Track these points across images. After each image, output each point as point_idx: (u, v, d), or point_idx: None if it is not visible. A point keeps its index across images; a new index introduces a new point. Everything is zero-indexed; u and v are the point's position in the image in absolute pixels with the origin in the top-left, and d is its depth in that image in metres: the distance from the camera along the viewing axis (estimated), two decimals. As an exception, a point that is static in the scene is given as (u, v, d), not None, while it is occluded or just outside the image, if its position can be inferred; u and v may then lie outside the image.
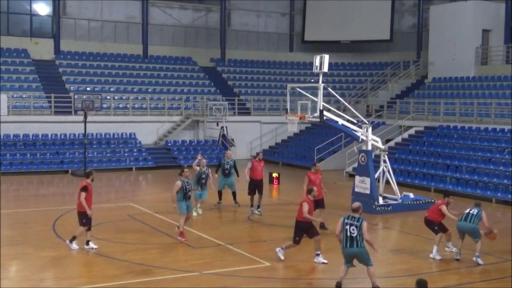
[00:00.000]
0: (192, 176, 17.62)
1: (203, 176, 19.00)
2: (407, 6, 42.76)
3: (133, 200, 22.42)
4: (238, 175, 20.62)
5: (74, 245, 14.92)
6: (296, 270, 13.57)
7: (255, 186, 19.57)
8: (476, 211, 14.22)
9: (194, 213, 18.69)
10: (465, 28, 34.67)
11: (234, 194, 20.85)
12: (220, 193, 21.04)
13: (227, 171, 20.61)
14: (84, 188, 14.69)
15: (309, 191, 14.11)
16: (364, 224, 11.71)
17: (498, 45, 35.01)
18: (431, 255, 14.72)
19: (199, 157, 19.73)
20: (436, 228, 14.89)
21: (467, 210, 14.27)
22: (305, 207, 13.63)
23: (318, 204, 17.61)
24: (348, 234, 11.68)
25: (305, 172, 18.44)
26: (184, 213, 15.79)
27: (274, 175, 27.13)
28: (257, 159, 20.14)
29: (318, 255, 13.95)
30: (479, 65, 34.78)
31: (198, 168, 19.07)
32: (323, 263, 13.85)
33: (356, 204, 12.09)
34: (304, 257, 14.52)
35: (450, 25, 35.21)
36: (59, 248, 15.12)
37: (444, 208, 14.73)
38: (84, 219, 14.72)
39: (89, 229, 14.91)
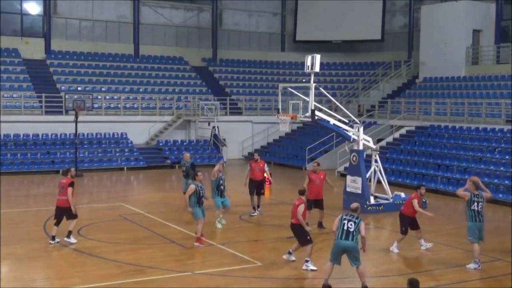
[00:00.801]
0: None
1: (221, 182, 17.71)
2: (398, 6, 42.88)
3: (124, 200, 22.37)
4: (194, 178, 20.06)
5: (73, 239, 15.32)
6: (287, 270, 13.57)
7: (254, 187, 19.46)
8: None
9: (219, 225, 17.47)
10: (455, 28, 34.80)
11: None
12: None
13: (184, 173, 20.28)
14: (72, 184, 15.28)
15: (301, 192, 14.14)
16: (362, 224, 11.90)
17: (489, 45, 35.16)
18: (391, 248, 15.20)
19: (220, 163, 18.57)
20: (403, 228, 15.23)
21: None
22: (301, 209, 13.53)
23: (317, 204, 17.68)
24: (345, 228, 11.79)
25: (296, 172, 18.50)
26: (200, 218, 15.22)
27: (266, 175, 27.08)
28: (254, 160, 20.02)
29: (307, 261, 13.70)
30: (469, 65, 34.92)
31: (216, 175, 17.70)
32: (312, 269, 13.51)
33: (355, 204, 12.26)
34: (296, 257, 14.52)
35: (441, 25, 35.34)
36: (50, 248, 15.07)
37: (415, 202, 14.93)
38: (71, 212, 15.24)
39: (58, 223, 15.38)
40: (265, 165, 20.09)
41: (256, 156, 20.32)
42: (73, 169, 15.93)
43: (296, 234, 13.77)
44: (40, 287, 12.58)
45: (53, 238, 15.29)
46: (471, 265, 13.76)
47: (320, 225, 17.39)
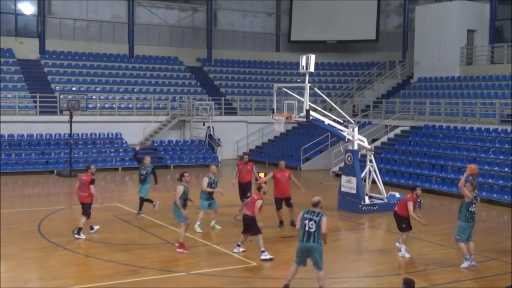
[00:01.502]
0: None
1: (213, 185, 17.13)
2: (393, 6, 42.94)
3: (119, 201, 22.33)
4: (156, 182, 19.43)
5: (82, 235, 15.88)
6: (282, 270, 13.57)
7: (241, 190, 18.93)
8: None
9: (198, 229, 16.88)
10: (450, 28, 34.88)
11: (142, 200, 19.18)
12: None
13: (142, 177, 19.12)
14: (93, 181, 16.17)
15: (258, 188, 14.58)
16: (324, 219, 11.48)
17: (483, 45, 35.24)
18: (400, 254, 14.88)
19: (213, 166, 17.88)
20: (404, 226, 14.98)
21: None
22: (258, 204, 14.09)
23: (286, 203, 17.64)
24: (307, 228, 11.45)
25: (292, 172, 18.46)
26: (185, 221, 14.74)
27: (261, 175, 26.93)
28: (242, 161, 19.29)
29: (263, 251, 14.18)
30: (464, 65, 35.00)
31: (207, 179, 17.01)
32: (270, 258, 14.08)
33: (316, 198, 11.84)
34: (290, 257, 14.53)
35: (436, 25, 35.40)
36: (44, 249, 15.05)
37: (410, 206, 14.70)
38: (89, 210, 16.13)
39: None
40: (253, 167, 19.31)
41: (246, 157, 19.41)
42: (92, 166, 16.69)
43: (247, 225, 14.31)
44: (35, 288, 12.58)
45: (92, 227, 16.55)
46: (464, 264, 13.78)
47: (292, 223, 17.20)
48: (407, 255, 14.75)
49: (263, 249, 14.12)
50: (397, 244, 15.24)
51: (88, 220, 16.30)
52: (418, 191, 15.03)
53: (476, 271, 13.76)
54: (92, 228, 16.55)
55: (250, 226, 14.25)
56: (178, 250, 14.69)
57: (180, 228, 14.89)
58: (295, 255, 11.81)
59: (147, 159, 19.54)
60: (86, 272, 13.29)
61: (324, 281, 11.70)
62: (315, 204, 11.73)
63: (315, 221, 11.44)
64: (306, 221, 11.50)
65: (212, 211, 17.36)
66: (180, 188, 14.65)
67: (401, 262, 14.57)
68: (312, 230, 11.43)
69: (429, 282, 12.88)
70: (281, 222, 17.69)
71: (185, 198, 14.71)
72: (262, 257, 14.09)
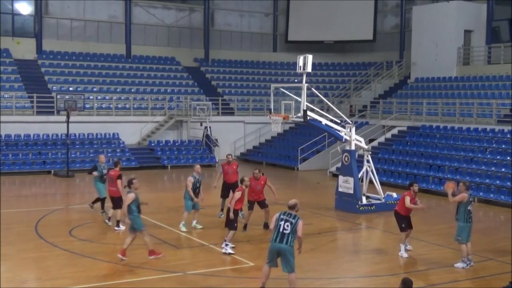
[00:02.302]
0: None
1: (198, 184, 17.22)
2: (390, 7, 42.98)
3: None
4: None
5: (122, 226, 16.84)
6: (279, 270, 13.54)
7: (227, 190, 18.73)
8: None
9: (183, 228, 17.09)
10: (447, 28, 34.92)
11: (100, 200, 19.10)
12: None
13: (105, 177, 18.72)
14: (120, 176, 16.95)
15: (241, 181, 15.21)
16: (300, 223, 11.32)
17: (480, 45, 35.29)
18: (399, 253, 14.92)
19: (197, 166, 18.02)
20: (403, 225, 15.01)
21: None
22: (237, 195, 14.63)
23: (260, 205, 17.56)
24: (281, 229, 11.26)
25: (288, 172, 18.48)
26: (144, 228, 14.18)
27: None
28: (226, 161, 19.27)
29: (227, 245, 14.63)
30: (461, 66, 35.04)
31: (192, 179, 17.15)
32: (229, 253, 14.47)
33: (293, 201, 11.72)
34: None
35: (433, 26, 35.45)
36: (41, 249, 15.04)
37: (407, 199, 14.80)
38: (120, 203, 16.48)
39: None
40: (238, 166, 19.35)
41: (229, 157, 19.46)
42: (120, 162, 17.89)
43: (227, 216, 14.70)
44: (32, 288, 12.56)
45: (117, 224, 17.17)
46: (459, 264, 13.81)
47: (266, 225, 17.19)
48: (405, 255, 14.77)
49: (228, 242, 14.62)
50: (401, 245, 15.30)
51: (115, 212, 17.22)
52: (415, 187, 15.11)
53: (473, 271, 13.78)
54: (118, 225, 17.25)
55: (227, 218, 14.73)
56: (150, 257, 14.09)
57: (144, 237, 14.18)
58: (266, 256, 11.61)
59: (102, 157, 19.42)
60: (83, 272, 13.27)
61: (296, 283, 11.54)
62: (292, 207, 11.55)
63: (291, 223, 11.27)
64: (282, 222, 11.31)
65: (194, 211, 17.38)
66: (131, 196, 14.09)
67: (399, 262, 14.57)
68: (286, 232, 11.25)
69: (426, 282, 12.90)
70: (245, 226, 17.32)
71: (137, 205, 14.07)
72: (223, 250, 14.58)
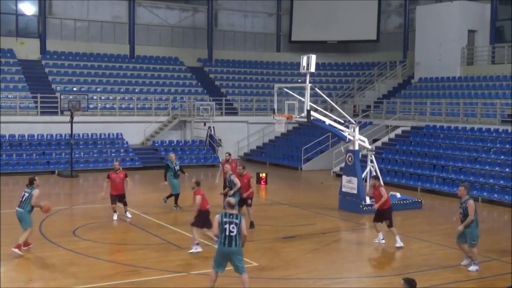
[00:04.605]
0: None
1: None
2: (394, 7, 42.93)
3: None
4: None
5: (129, 214, 18.83)
6: (283, 270, 13.59)
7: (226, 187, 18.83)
8: None
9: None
10: (450, 28, 34.87)
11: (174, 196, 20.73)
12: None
13: (179, 172, 20.72)
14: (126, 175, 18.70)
15: (197, 184, 15.11)
16: (243, 222, 11.21)
17: (484, 45, 35.24)
18: (397, 245, 15.45)
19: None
20: (388, 223, 15.71)
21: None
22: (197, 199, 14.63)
23: (245, 203, 17.71)
24: (227, 233, 11.04)
25: (292, 172, 18.49)
26: (31, 227, 14.64)
27: (262, 175, 27.14)
28: (225, 160, 20.01)
29: (197, 244, 14.77)
30: (464, 65, 34.99)
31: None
32: (197, 252, 14.59)
33: (232, 200, 11.65)
34: (291, 257, 14.57)
35: (436, 26, 35.40)
36: (45, 249, 15.06)
37: (383, 190, 15.66)
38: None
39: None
40: (237, 164, 19.48)
41: (227, 156, 20.34)
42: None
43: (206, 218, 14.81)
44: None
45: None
46: (473, 267, 13.59)
47: (252, 225, 17.39)
48: (401, 243, 15.50)
49: (197, 241, 14.77)
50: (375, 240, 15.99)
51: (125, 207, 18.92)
52: (377, 182, 16.11)
53: (477, 271, 13.75)
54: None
55: (206, 219, 14.79)
56: (14, 249, 14.20)
57: (24, 232, 14.45)
58: (213, 260, 11.48)
59: (173, 155, 21.35)
60: (87, 272, 13.29)
61: (249, 283, 11.49)
62: (232, 206, 11.39)
63: (236, 224, 11.07)
64: (227, 225, 11.07)
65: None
66: (37, 192, 14.72)
67: (402, 262, 14.56)
68: (233, 234, 11.05)
69: (429, 282, 12.87)
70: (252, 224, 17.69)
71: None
72: (194, 248, 14.79)
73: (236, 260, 11.22)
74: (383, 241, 15.98)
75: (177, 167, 20.74)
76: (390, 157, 28.89)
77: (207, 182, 20.17)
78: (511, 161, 24.17)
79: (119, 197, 18.72)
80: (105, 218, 18.80)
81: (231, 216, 11.15)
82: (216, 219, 11.24)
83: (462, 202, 13.60)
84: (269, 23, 44.98)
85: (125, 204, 18.98)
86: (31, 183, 15.01)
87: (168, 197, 20.76)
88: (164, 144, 34.02)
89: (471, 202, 13.43)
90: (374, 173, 21.33)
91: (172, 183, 20.56)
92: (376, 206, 15.89)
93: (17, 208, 14.78)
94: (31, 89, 33.94)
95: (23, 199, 14.77)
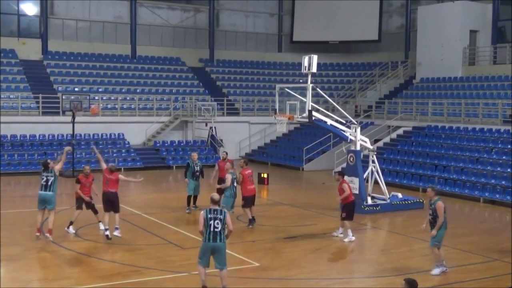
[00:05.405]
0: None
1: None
2: (395, 7, 42.91)
3: (121, 201, 22.09)
4: (202, 176, 20.29)
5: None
6: (285, 270, 13.59)
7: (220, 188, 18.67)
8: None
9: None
10: (452, 28, 34.84)
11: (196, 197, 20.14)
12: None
13: (197, 173, 19.92)
14: (77, 181, 16.82)
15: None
16: (228, 216, 11.43)
17: (485, 45, 35.21)
18: (345, 240, 16.19)
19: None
20: (345, 215, 16.33)
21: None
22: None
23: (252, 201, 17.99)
24: (212, 229, 11.24)
25: (294, 172, 18.50)
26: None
27: (263, 175, 27.14)
28: (222, 159, 20.10)
29: (117, 228, 15.65)
30: (466, 66, 34.97)
31: None
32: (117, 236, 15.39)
33: (216, 195, 11.75)
34: (293, 257, 14.56)
35: (438, 26, 35.37)
36: (47, 249, 15.06)
37: (345, 185, 16.27)
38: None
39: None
40: (233, 163, 19.34)
41: (224, 155, 20.48)
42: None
43: (112, 201, 15.79)
44: (37, 288, 12.60)
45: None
46: (436, 270, 13.31)
47: (251, 221, 17.78)
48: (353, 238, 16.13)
49: (117, 226, 15.56)
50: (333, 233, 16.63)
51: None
52: (337, 176, 17.02)
53: (478, 271, 13.76)
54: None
55: (114, 203, 15.72)
56: (47, 234, 15.36)
57: (51, 215, 15.52)
58: (198, 256, 11.60)
59: (195, 155, 20.36)
60: (88, 272, 13.30)
61: (228, 280, 11.63)
62: (216, 202, 11.54)
63: (220, 220, 11.28)
64: (212, 221, 11.26)
65: None
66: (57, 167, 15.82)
67: (404, 262, 14.55)
68: (218, 230, 11.27)
69: (431, 282, 12.87)
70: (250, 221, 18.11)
71: None
72: (115, 233, 15.48)
73: (219, 255, 11.43)
74: (342, 235, 16.53)
75: (197, 168, 19.81)
76: (391, 157, 28.88)
77: (207, 182, 20.15)
78: (513, 161, 24.16)
79: (87, 204, 16.78)
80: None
81: (215, 212, 11.35)
82: (201, 215, 11.39)
83: (431, 203, 13.49)
84: (270, 23, 44.98)
85: (95, 212, 16.91)
86: (46, 167, 15.74)
87: (188, 203, 19.91)
88: (166, 145, 34.03)
89: (439, 204, 13.30)
90: (376, 174, 21.37)
91: (190, 184, 19.74)
92: (338, 199, 16.54)
93: (43, 191, 15.60)
94: (32, 89, 33.97)
95: (49, 183, 15.58)
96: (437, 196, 13.52)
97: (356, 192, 20.63)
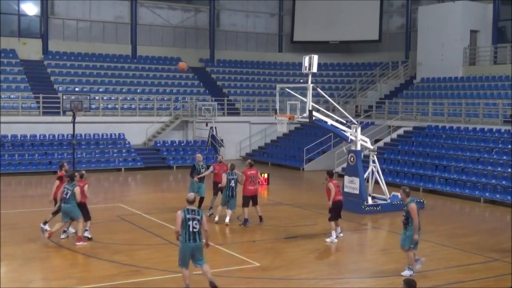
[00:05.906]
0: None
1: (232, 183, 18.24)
2: (396, 7, 42.90)
3: (122, 201, 22.34)
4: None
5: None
6: (285, 270, 13.58)
7: (218, 189, 18.78)
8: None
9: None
10: (453, 28, 34.83)
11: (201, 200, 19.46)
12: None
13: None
14: (59, 178, 16.34)
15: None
16: (204, 217, 11.56)
17: (486, 45, 35.20)
18: (327, 239, 16.16)
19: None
20: (329, 216, 16.33)
21: None
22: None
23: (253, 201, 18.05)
24: (191, 229, 11.36)
25: (294, 172, 18.50)
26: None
27: (264, 175, 27.13)
28: (218, 162, 19.81)
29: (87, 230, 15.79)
30: (467, 66, 34.96)
31: None
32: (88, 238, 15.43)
33: (192, 195, 11.87)
34: (293, 257, 14.56)
35: (438, 26, 35.37)
36: (47, 249, 15.06)
37: (330, 184, 16.21)
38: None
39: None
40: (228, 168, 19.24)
41: (220, 158, 20.27)
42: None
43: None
44: (38, 288, 12.59)
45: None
46: (407, 272, 13.10)
47: (245, 222, 17.94)
48: (336, 240, 16.05)
49: (87, 228, 15.69)
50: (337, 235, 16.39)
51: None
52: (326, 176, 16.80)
53: (479, 271, 13.75)
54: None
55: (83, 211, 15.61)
56: (77, 243, 15.25)
57: (79, 223, 15.43)
58: (179, 258, 11.63)
59: (200, 156, 20.23)
60: (88, 272, 13.31)
61: (211, 274, 11.79)
62: (192, 201, 11.70)
63: (198, 220, 11.41)
64: (190, 222, 11.38)
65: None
66: (78, 189, 15.36)
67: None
68: (196, 230, 11.41)
69: (431, 282, 12.86)
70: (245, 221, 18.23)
71: None
72: (85, 234, 15.57)
73: (198, 254, 11.57)
74: (336, 239, 16.29)
75: (203, 169, 19.49)
76: (392, 157, 28.86)
77: (207, 183, 20.13)
78: (513, 161, 24.15)
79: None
80: (107, 218, 18.80)
81: (193, 212, 11.49)
82: (178, 215, 11.47)
83: (404, 205, 13.44)
84: (271, 23, 44.97)
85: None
86: (71, 179, 15.44)
87: (199, 205, 18.98)
88: (166, 145, 34.03)
89: (412, 206, 13.17)
90: (376, 174, 21.36)
91: (193, 185, 19.31)
92: (329, 203, 16.34)
93: (63, 204, 15.34)
94: (33, 89, 33.97)
95: (67, 196, 15.22)
96: (409, 197, 13.47)
97: (357, 192, 20.67)
